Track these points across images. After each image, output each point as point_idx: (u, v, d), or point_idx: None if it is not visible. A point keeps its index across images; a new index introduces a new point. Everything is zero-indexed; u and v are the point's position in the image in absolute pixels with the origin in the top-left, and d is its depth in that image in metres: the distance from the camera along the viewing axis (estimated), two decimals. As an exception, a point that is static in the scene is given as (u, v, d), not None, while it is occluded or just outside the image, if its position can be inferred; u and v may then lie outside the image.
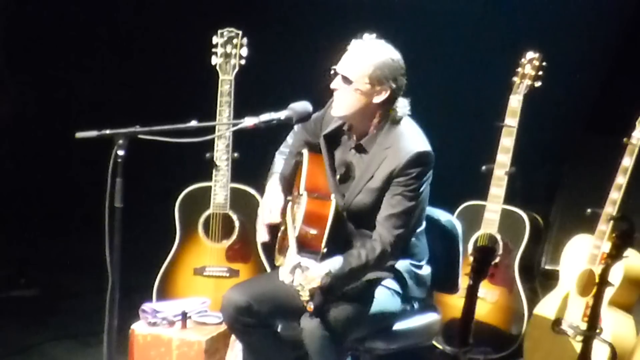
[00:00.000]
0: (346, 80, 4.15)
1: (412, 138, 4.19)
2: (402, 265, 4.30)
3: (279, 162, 4.50)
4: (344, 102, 4.18)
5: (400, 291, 4.29)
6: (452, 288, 4.59)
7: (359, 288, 4.19)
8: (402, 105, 4.21)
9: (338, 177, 4.31)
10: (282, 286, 4.12)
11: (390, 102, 4.18)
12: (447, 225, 4.55)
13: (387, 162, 4.15)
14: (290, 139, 4.56)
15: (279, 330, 4.40)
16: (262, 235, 4.40)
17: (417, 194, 4.16)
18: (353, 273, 4.11)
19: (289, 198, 4.41)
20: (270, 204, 4.36)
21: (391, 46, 4.20)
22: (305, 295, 3.86)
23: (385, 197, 4.16)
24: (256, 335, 4.29)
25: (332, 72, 4.19)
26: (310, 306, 3.89)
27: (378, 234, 4.15)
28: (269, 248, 4.53)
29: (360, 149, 4.26)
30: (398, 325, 4.33)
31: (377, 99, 4.16)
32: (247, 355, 4.42)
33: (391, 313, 4.28)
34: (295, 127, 4.50)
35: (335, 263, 4.06)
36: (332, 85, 4.20)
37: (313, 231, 4.12)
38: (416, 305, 4.37)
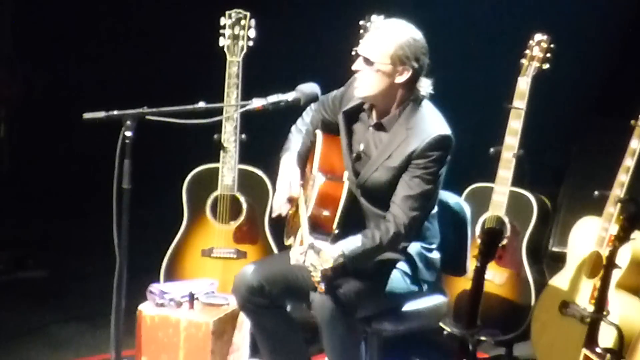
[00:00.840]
0: (367, 61, 4.12)
1: (434, 121, 4.18)
2: (413, 248, 4.30)
3: (295, 139, 4.49)
4: (367, 83, 4.15)
5: (410, 273, 4.29)
6: (460, 270, 4.59)
7: (371, 267, 4.18)
8: (425, 85, 4.19)
9: (355, 154, 4.29)
10: (293, 267, 4.13)
11: (412, 82, 4.16)
12: (455, 207, 4.55)
13: (408, 142, 4.13)
14: (307, 116, 4.54)
15: (288, 310, 4.41)
16: (282, 209, 4.39)
17: (435, 177, 4.15)
18: (366, 254, 4.11)
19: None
20: (289, 177, 4.36)
21: (413, 26, 4.17)
22: (317, 276, 3.86)
23: (402, 178, 4.14)
24: (267, 316, 4.31)
25: (353, 53, 4.18)
26: (322, 287, 3.89)
27: (392, 215, 4.13)
28: (277, 229, 4.53)
29: (379, 127, 4.24)
30: (406, 307, 4.33)
31: (399, 79, 4.14)
32: (258, 336, 4.43)
33: (400, 293, 4.28)
34: (313, 104, 4.49)
35: (349, 244, 4.05)
36: (353, 67, 4.18)
37: (325, 212, 4.12)
38: (425, 288, 4.36)
